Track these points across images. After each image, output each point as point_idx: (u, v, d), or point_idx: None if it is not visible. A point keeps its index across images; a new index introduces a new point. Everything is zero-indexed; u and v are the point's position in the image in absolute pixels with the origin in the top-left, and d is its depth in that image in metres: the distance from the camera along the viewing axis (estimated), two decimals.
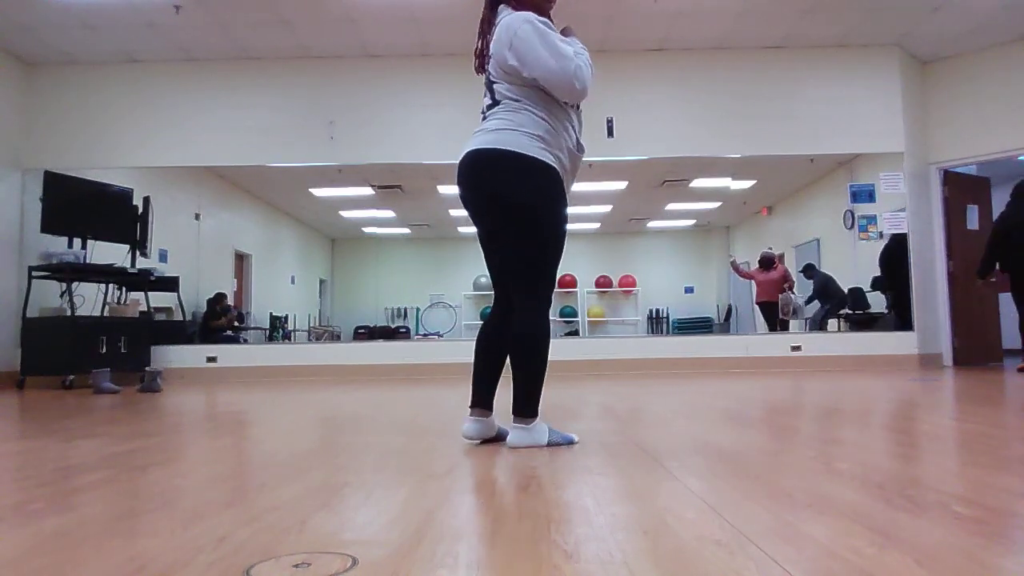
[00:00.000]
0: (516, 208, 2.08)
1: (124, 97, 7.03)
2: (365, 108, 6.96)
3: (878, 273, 7.36)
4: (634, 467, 1.74)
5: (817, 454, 1.87)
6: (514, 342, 2.13)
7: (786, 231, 8.62)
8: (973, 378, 5.11)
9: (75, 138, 6.97)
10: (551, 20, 2.21)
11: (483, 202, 2.15)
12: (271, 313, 8.45)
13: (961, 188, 7.26)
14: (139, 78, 7.04)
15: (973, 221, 7.23)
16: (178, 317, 7.11)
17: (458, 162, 2.18)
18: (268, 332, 8.32)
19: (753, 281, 8.49)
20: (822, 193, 8.04)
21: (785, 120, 6.96)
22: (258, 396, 4.54)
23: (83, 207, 6.24)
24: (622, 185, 8.46)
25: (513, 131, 2.07)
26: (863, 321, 7.36)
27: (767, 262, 8.24)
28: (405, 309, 9.20)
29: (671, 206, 9.38)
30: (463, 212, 2.30)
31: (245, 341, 7.75)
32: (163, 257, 7.08)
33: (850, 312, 7.49)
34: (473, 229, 2.32)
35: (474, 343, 2.28)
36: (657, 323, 9.50)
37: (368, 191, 8.40)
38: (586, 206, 9.15)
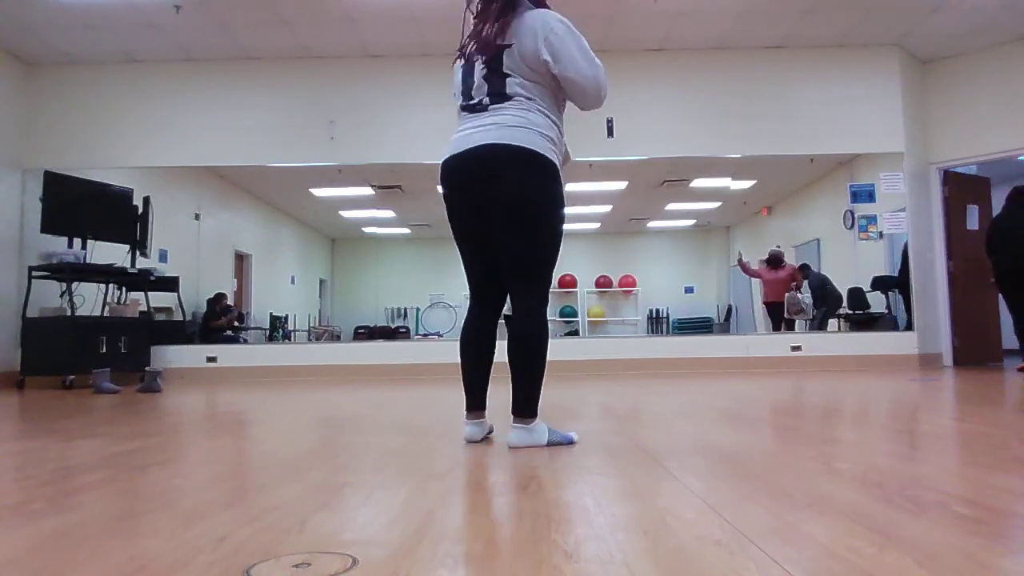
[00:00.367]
0: (529, 207, 2.07)
1: (124, 97, 7.03)
2: (365, 108, 6.96)
3: (878, 273, 7.36)
4: (634, 467, 1.74)
5: (817, 454, 1.87)
6: (516, 342, 2.10)
7: (786, 231, 8.63)
8: (973, 378, 5.11)
9: (75, 138, 6.97)
10: None
11: (492, 197, 2.07)
12: (271, 313, 8.45)
13: (961, 188, 7.26)
14: (139, 78, 7.04)
15: (973, 221, 7.23)
16: (178, 317, 7.10)
17: (458, 152, 2.10)
18: (268, 332, 8.32)
19: (760, 280, 8.41)
20: (822, 193, 8.04)
21: (785, 120, 6.96)
22: (258, 396, 4.54)
23: (83, 207, 6.23)
24: (622, 185, 8.46)
25: (531, 130, 2.06)
26: (863, 321, 7.35)
27: (775, 260, 8.13)
28: (405, 309, 9.20)
29: (671, 206, 9.38)
30: None
31: (245, 341, 7.75)
32: (163, 257, 7.08)
33: (850, 312, 7.49)
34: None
35: (462, 347, 2.24)
36: (657, 323, 9.50)
37: (368, 191, 8.40)
38: (586, 206, 9.15)
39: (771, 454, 1.90)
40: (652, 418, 2.83)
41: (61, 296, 6.00)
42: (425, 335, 8.84)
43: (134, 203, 6.61)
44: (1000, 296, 6.38)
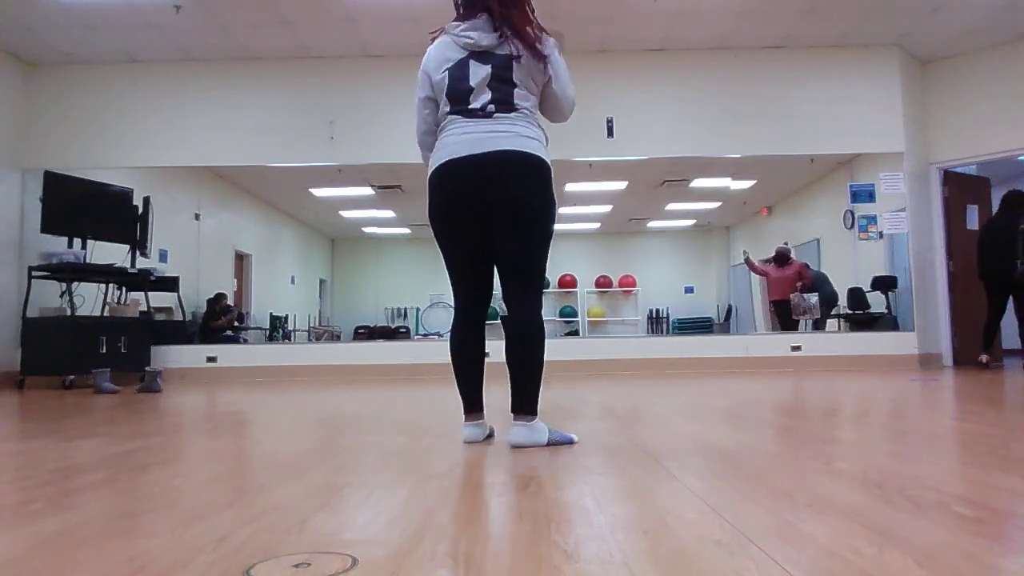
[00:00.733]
0: (540, 214, 2.16)
1: (124, 97, 7.03)
2: (365, 108, 6.96)
3: (878, 273, 7.36)
4: (634, 467, 1.74)
5: (817, 454, 1.87)
6: (516, 342, 2.14)
7: (786, 231, 8.62)
8: (973, 378, 5.11)
9: (75, 138, 6.97)
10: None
11: (500, 200, 2.11)
12: (271, 313, 8.45)
13: (961, 188, 7.26)
14: (139, 78, 7.04)
15: (973, 221, 7.23)
16: (178, 317, 7.10)
17: (473, 154, 2.09)
18: (268, 332, 8.32)
19: (766, 278, 8.32)
20: (822, 193, 8.04)
21: (785, 120, 6.96)
22: (258, 396, 4.54)
23: (83, 207, 6.23)
24: (622, 185, 8.46)
25: (539, 142, 2.17)
26: (863, 321, 7.35)
27: (782, 258, 8.03)
28: (405, 309, 9.21)
29: (671, 206, 9.38)
30: None
31: (245, 341, 7.75)
32: (163, 257, 7.08)
33: (850, 312, 7.49)
34: None
35: (455, 350, 2.25)
36: (657, 323, 9.50)
37: (368, 191, 8.40)
38: (586, 206, 9.15)
39: (771, 454, 1.90)
40: (652, 418, 2.83)
41: (61, 296, 6.00)
42: (425, 335, 8.84)
43: (134, 203, 6.61)
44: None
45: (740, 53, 7.02)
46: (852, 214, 7.35)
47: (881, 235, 7.18)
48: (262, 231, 9.13)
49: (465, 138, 2.12)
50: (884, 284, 7.30)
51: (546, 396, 3.88)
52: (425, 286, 9.04)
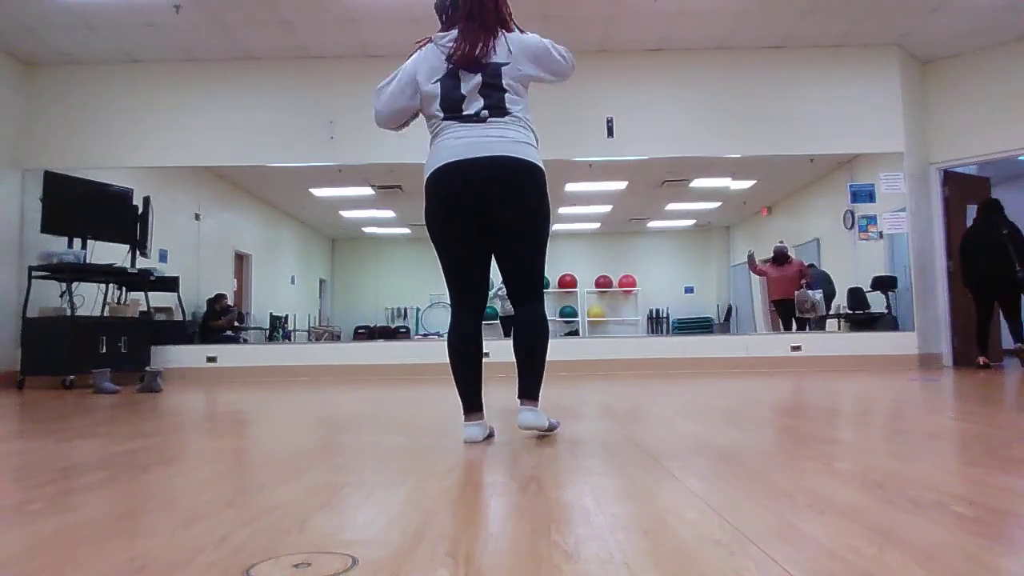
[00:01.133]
0: (539, 218, 2.27)
1: (124, 97, 7.03)
2: (365, 108, 6.83)
3: (878, 273, 7.36)
4: (634, 467, 1.74)
5: (817, 454, 1.87)
6: (526, 337, 2.28)
7: (786, 231, 8.62)
8: (972, 378, 5.11)
9: (75, 138, 6.96)
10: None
11: (502, 203, 2.19)
12: (271, 313, 8.45)
13: (961, 188, 7.26)
14: (139, 78, 7.04)
15: None
16: (178, 317, 7.10)
17: (472, 157, 2.16)
18: (268, 332, 8.33)
19: (766, 278, 8.23)
20: (822, 193, 8.04)
21: (785, 120, 6.96)
22: (258, 396, 4.54)
23: (83, 207, 6.23)
24: (622, 185, 8.46)
25: (533, 147, 2.27)
26: (863, 321, 7.35)
27: (781, 256, 7.98)
28: (405, 309, 9.21)
29: (671, 206, 9.38)
30: None
31: (245, 341, 7.75)
32: (163, 257, 7.08)
33: (850, 312, 7.49)
34: None
35: (453, 351, 2.29)
36: (657, 323, 9.50)
37: (368, 191, 8.40)
38: (586, 206, 9.15)
39: (771, 454, 1.90)
40: (652, 418, 2.83)
41: (61, 296, 6.00)
42: (425, 335, 8.85)
43: (134, 203, 6.61)
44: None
45: (740, 53, 7.02)
46: (852, 214, 7.35)
47: (881, 235, 7.18)
48: (262, 231, 9.14)
49: (461, 143, 2.19)
50: (884, 284, 7.30)
51: (547, 396, 3.88)
52: (425, 286, 9.04)
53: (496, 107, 2.21)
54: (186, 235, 7.56)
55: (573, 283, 9.46)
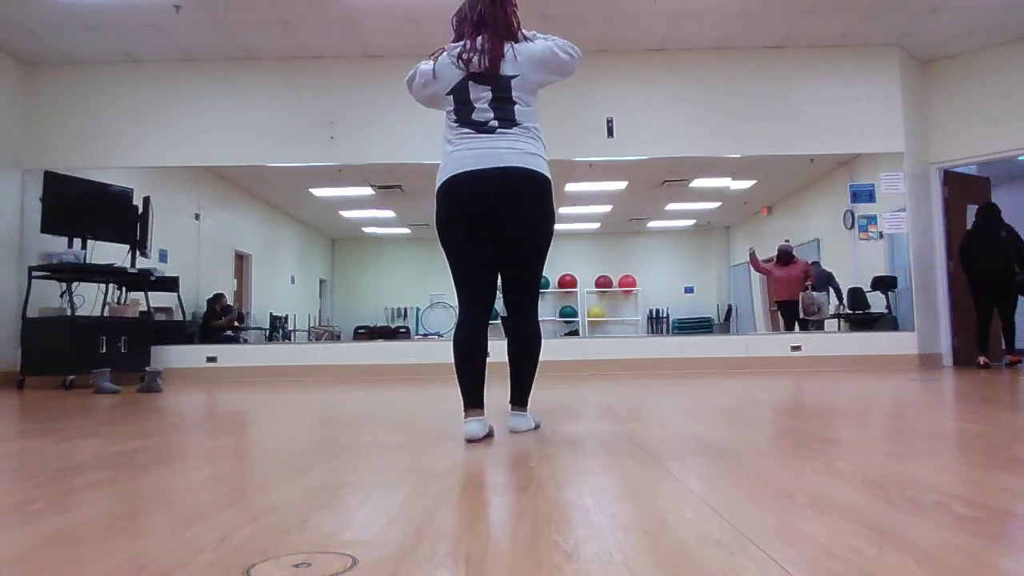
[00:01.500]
0: (545, 229, 2.36)
1: (124, 97, 7.03)
2: (365, 108, 6.96)
3: (878, 273, 7.36)
4: (634, 467, 1.74)
5: (817, 454, 1.87)
6: (520, 343, 2.42)
7: (786, 231, 8.61)
8: (973, 378, 5.11)
9: (75, 138, 6.97)
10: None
11: (513, 213, 2.29)
12: (271, 313, 8.45)
13: (961, 188, 7.26)
14: (139, 78, 7.04)
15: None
16: (178, 317, 7.10)
17: (486, 168, 2.26)
18: (268, 332, 8.33)
19: (769, 277, 8.14)
20: (822, 193, 8.04)
21: (785, 120, 6.96)
22: (258, 396, 4.54)
23: (83, 207, 6.23)
24: (622, 185, 8.46)
25: (542, 158, 2.35)
26: (863, 321, 7.35)
27: (786, 256, 7.89)
28: (405, 309, 9.21)
29: (671, 206, 9.38)
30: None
31: (245, 341, 7.75)
32: (163, 257, 7.08)
33: (850, 312, 7.48)
34: None
35: (459, 350, 2.36)
36: (657, 323, 9.50)
37: (368, 191, 8.40)
38: (586, 206, 9.15)
39: (771, 454, 1.90)
40: (652, 418, 2.83)
41: (61, 296, 6.00)
42: (425, 335, 8.85)
43: (134, 203, 6.61)
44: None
45: (740, 53, 7.02)
46: (852, 214, 7.35)
47: (881, 235, 7.18)
48: (262, 231, 9.14)
49: (471, 153, 2.29)
50: (884, 284, 7.30)
51: (546, 396, 3.88)
52: (425, 286, 9.04)
53: (505, 119, 2.31)
54: (186, 235, 7.57)
55: (573, 283, 9.46)
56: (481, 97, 2.32)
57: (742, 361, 6.82)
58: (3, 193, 6.66)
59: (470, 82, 2.32)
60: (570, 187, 8.03)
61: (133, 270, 6.33)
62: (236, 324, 7.70)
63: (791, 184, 8.40)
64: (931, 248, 7.09)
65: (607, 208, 9.31)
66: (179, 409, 3.73)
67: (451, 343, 2.37)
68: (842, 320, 7.54)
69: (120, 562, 1.02)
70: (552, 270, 7.55)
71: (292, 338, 8.54)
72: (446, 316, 8.84)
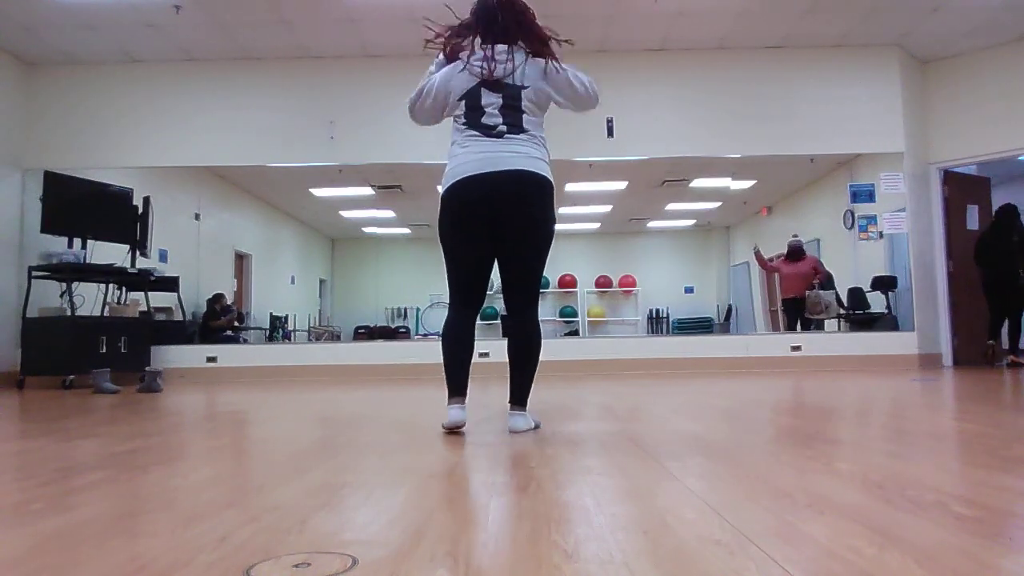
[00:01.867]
0: (545, 230, 2.43)
1: (124, 97, 7.03)
2: (365, 108, 6.96)
3: (878, 273, 7.36)
4: (634, 467, 1.74)
5: (817, 454, 1.87)
6: (521, 343, 2.47)
7: (786, 231, 8.61)
8: (973, 378, 5.11)
9: (75, 138, 6.96)
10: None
11: (515, 215, 2.36)
12: (271, 313, 8.45)
13: (961, 188, 7.27)
14: (139, 78, 7.04)
15: (973, 221, 7.23)
16: (178, 317, 7.10)
17: (493, 171, 2.33)
18: (268, 332, 8.33)
19: (778, 274, 8.06)
20: (822, 193, 8.04)
21: (785, 120, 6.96)
22: (258, 396, 4.54)
23: (83, 207, 6.23)
24: (622, 185, 8.46)
25: (546, 163, 2.44)
26: (863, 321, 7.35)
27: (796, 252, 7.71)
28: (405, 309, 9.21)
29: (671, 206, 9.38)
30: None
31: (245, 341, 7.75)
32: (163, 257, 7.08)
33: (850, 312, 7.48)
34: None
35: (447, 342, 2.54)
36: (657, 323, 9.50)
37: (368, 191, 8.40)
38: (586, 206, 9.15)
39: (771, 454, 1.90)
40: (652, 418, 2.83)
41: (61, 296, 6.00)
42: (425, 335, 8.84)
43: (134, 203, 6.61)
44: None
45: (740, 53, 7.02)
46: (852, 214, 7.35)
47: (881, 235, 7.18)
48: (262, 231, 9.14)
49: (478, 157, 2.36)
50: (884, 284, 7.30)
51: (546, 396, 3.88)
52: (425, 286, 9.04)
53: (514, 125, 2.39)
54: (186, 235, 7.57)
55: (573, 283, 9.46)
56: (492, 103, 2.39)
57: (742, 361, 6.82)
58: (3, 193, 6.66)
59: (482, 88, 2.40)
60: (570, 187, 8.03)
61: (133, 270, 6.33)
62: (236, 324, 7.70)
63: (791, 184, 8.40)
64: (931, 248, 7.09)
65: (607, 208, 9.31)
66: (179, 409, 3.73)
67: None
68: (842, 320, 7.54)
69: (120, 562, 1.02)
70: (552, 270, 7.53)
71: (292, 338, 8.54)
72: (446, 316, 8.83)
